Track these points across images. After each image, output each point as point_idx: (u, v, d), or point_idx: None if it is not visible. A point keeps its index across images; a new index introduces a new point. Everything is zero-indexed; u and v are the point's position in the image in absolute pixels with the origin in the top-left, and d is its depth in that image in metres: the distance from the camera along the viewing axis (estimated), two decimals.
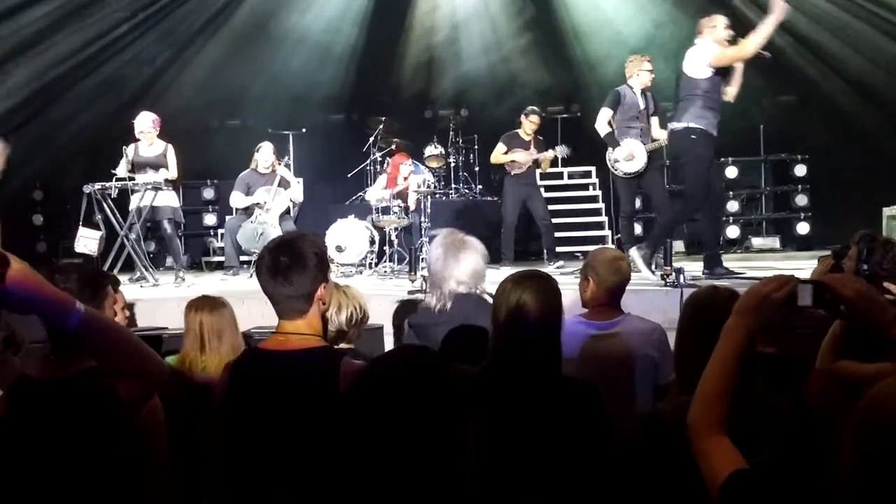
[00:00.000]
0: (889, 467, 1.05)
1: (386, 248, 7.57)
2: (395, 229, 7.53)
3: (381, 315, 4.19)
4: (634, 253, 5.59)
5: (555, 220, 7.92)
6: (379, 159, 9.12)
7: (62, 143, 9.10)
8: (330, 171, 9.97)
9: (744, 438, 1.39)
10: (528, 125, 7.55)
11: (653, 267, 5.62)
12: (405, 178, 7.94)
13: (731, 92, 5.50)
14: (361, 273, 7.36)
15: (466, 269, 2.75)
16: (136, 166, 6.83)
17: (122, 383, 1.64)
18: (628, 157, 6.29)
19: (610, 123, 6.42)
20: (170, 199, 6.96)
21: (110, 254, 6.50)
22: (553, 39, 9.82)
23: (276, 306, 1.93)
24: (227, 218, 7.87)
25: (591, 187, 10.02)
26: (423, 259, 6.31)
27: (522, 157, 7.45)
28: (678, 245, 8.21)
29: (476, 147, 9.58)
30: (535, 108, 7.69)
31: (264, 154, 7.42)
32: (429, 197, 7.56)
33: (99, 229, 6.37)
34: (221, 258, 8.55)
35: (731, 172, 9.51)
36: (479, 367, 2.09)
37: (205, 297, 3.13)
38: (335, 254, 7.27)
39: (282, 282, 1.87)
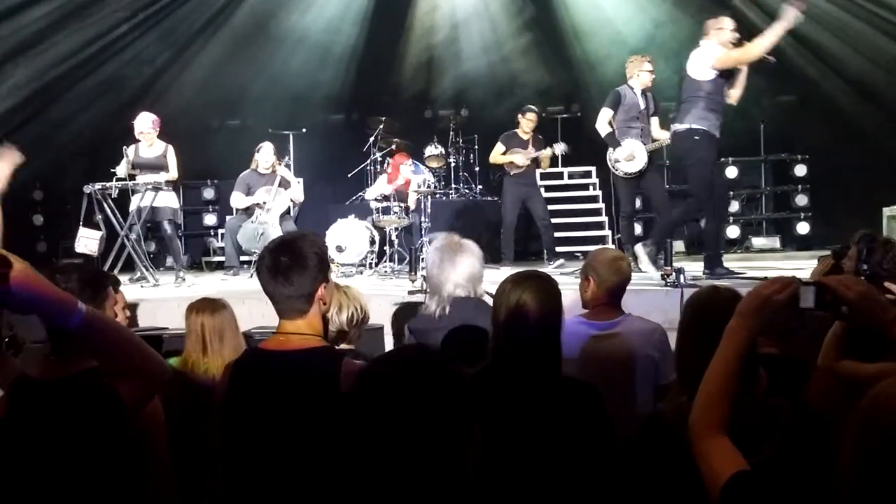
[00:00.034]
0: (890, 467, 1.05)
1: (386, 248, 7.57)
2: (396, 229, 7.53)
3: (382, 315, 4.18)
4: (640, 249, 5.59)
5: (555, 220, 7.92)
6: (379, 159, 9.12)
7: (62, 143, 9.07)
8: (330, 171, 9.96)
9: (745, 439, 1.39)
10: (526, 123, 7.56)
11: (657, 265, 5.62)
12: (406, 181, 7.95)
13: (734, 94, 5.48)
14: (362, 273, 7.35)
15: (463, 273, 2.74)
16: (137, 167, 6.83)
17: (122, 383, 1.64)
18: (629, 157, 6.30)
19: (610, 123, 6.42)
20: (170, 200, 6.96)
21: (111, 254, 6.51)
22: (553, 39, 9.80)
23: (277, 306, 1.93)
24: (228, 218, 7.87)
25: (591, 187, 10.00)
26: (423, 259, 6.30)
27: (520, 159, 7.44)
28: (678, 245, 8.21)
29: (476, 147, 9.57)
30: (531, 106, 7.69)
31: (265, 154, 7.42)
32: (429, 197, 7.55)
33: (99, 229, 6.36)
34: (222, 258, 8.56)
35: (732, 172, 9.49)
36: (478, 369, 2.09)
37: (205, 299, 3.13)
38: (335, 254, 7.26)
39: (282, 282, 1.87)
